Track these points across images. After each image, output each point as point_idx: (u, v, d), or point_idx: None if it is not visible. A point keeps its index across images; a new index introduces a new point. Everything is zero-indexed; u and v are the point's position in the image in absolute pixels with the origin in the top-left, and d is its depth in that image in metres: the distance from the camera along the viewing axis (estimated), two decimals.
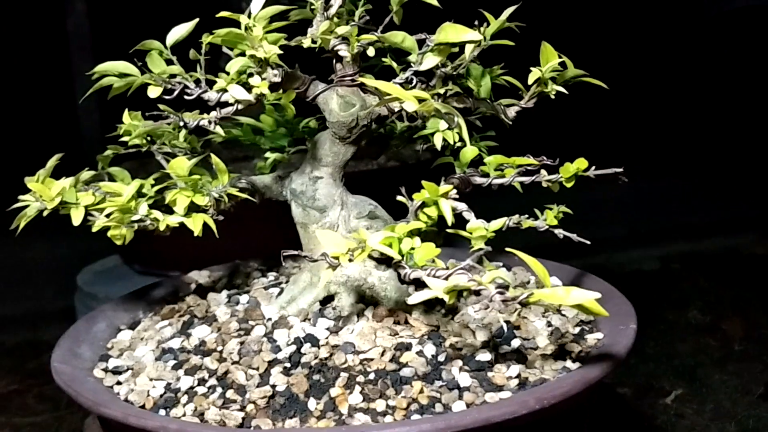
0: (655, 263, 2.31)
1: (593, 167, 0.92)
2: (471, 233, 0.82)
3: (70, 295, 1.85)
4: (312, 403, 0.77)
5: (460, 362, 0.83)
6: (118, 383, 0.86)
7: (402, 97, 0.77)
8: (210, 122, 0.80)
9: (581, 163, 0.91)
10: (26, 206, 0.84)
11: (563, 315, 0.95)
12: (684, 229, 2.60)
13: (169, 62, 0.92)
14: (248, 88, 0.81)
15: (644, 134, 3.38)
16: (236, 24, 0.81)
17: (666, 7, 3.62)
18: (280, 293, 1.02)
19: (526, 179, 0.94)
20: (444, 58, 0.84)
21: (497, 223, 0.85)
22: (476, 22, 0.86)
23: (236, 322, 0.94)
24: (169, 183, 0.94)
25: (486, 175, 0.95)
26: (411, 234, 0.79)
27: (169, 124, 0.85)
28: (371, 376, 0.80)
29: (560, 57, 0.91)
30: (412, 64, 0.88)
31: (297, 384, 0.80)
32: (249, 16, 0.77)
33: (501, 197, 1.00)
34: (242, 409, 0.78)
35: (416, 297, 0.70)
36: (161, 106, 0.96)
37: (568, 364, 0.82)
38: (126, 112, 0.99)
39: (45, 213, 0.84)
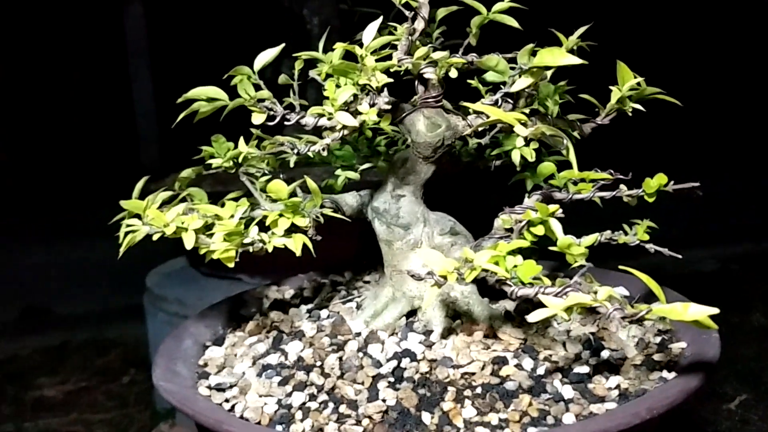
0: (714, 264, 2.29)
1: (672, 182, 0.95)
2: (568, 249, 0.85)
3: (135, 294, 1.88)
4: (426, 417, 0.80)
5: (559, 375, 0.86)
6: (227, 401, 0.88)
7: (511, 122, 0.80)
8: (323, 148, 0.83)
9: (661, 178, 0.94)
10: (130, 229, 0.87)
11: (641, 326, 0.99)
12: (743, 230, 2.58)
13: (257, 87, 0.94)
14: (352, 113, 0.84)
15: (703, 134, 3.35)
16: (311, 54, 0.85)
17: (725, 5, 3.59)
18: (358, 307, 1.05)
19: (607, 194, 0.97)
20: (537, 80, 0.87)
21: (589, 239, 0.88)
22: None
23: (327, 337, 0.97)
24: (252, 202, 0.97)
25: (566, 190, 0.99)
26: (513, 252, 0.82)
27: (289, 150, 0.87)
28: (478, 390, 0.83)
29: (635, 76, 0.95)
30: (501, 86, 0.91)
31: (406, 398, 0.82)
32: (361, 46, 0.80)
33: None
34: (358, 423, 0.81)
35: (536, 315, 0.73)
36: (254, 130, 1.00)
37: (665, 374, 0.85)
38: (215, 137, 1.02)
39: (155, 237, 0.86)
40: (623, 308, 0.73)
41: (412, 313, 1.00)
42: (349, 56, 0.90)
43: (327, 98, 0.92)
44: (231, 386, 0.91)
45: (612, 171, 0.98)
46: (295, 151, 0.86)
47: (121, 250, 0.87)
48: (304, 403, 0.84)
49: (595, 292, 0.76)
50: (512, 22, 0.93)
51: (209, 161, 1.02)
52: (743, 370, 1.76)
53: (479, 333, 0.95)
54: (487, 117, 0.92)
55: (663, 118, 3.23)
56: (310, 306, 1.10)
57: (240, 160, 1.01)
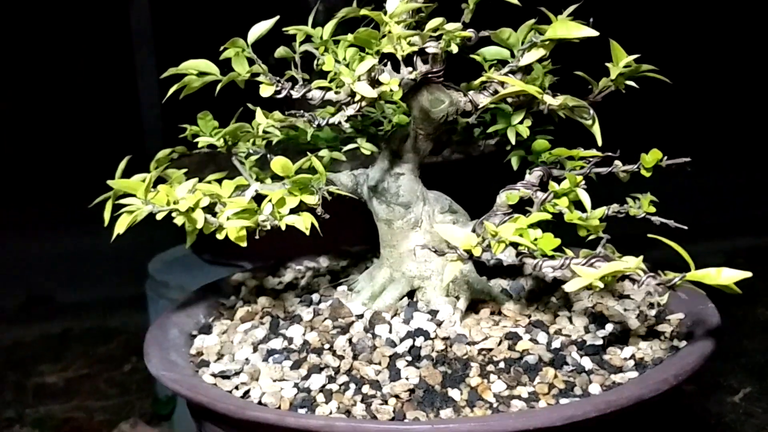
0: (719, 258, 2.26)
1: (665, 157, 0.97)
2: (586, 221, 0.85)
3: (138, 283, 1.88)
4: (455, 394, 0.79)
5: (574, 347, 0.86)
6: (236, 388, 0.84)
7: (535, 93, 0.80)
8: (343, 119, 0.80)
9: (656, 153, 0.96)
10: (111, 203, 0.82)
11: (632, 299, 1.00)
12: (749, 223, 2.56)
13: (251, 61, 0.91)
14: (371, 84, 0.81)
15: (708, 127, 3.31)
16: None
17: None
18: (350, 290, 1.03)
19: (603, 170, 0.98)
20: (547, 52, 0.87)
21: (599, 212, 0.89)
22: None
23: (328, 320, 0.94)
24: (240, 183, 0.93)
25: (562, 167, 0.99)
26: (533, 226, 0.82)
27: (305, 121, 0.84)
28: (501, 365, 0.82)
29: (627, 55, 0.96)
30: (509, 61, 0.91)
31: (429, 376, 0.81)
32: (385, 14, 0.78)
33: None
34: (385, 402, 0.78)
35: (572, 285, 0.73)
36: (250, 105, 0.96)
37: (675, 343, 0.87)
38: (202, 113, 0.98)
39: (159, 216, 0.81)
40: (656, 276, 0.74)
41: (410, 294, 0.99)
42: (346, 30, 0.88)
43: (325, 72, 0.90)
44: (236, 373, 0.87)
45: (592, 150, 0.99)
46: (316, 123, 0.82)
47: (120, 230, 0.81)
48: (324, 386, 0.81)
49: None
50: None
51: (198, 140, 0.97)
52: (748, 363, 1.78)
53: (485, 310, 0.94)
54: (495, 92, 0.92)
55: (668, 109, 3.26)
56: (296, 291, 1.07)
57: (257, 131, 0.95)
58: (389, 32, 0.77)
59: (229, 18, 0.85)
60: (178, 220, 0.84)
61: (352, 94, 0.85)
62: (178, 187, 0.79)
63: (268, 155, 1.03)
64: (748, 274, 0.71)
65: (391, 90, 0.80)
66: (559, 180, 0.99)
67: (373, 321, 0.93)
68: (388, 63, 0.88)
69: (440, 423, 0.72)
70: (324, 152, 1.13)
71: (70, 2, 3.06)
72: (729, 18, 3.54)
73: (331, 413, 0.77)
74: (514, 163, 1.06)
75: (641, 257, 0.74)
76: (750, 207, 2.76)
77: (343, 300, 0.99)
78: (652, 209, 0.90)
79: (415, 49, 0.79)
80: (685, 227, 0.89)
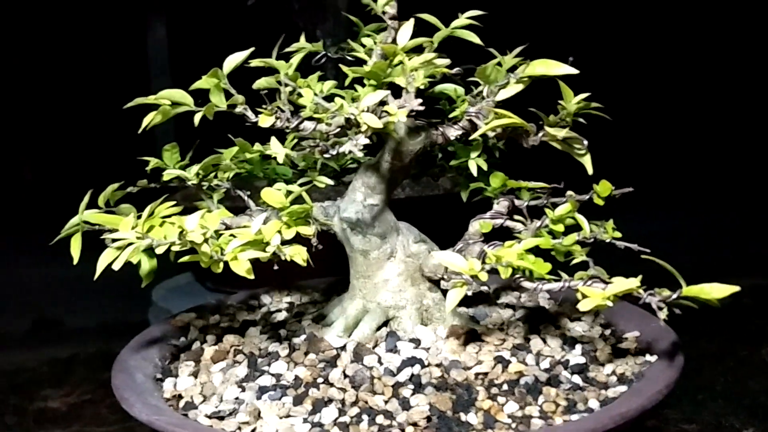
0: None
1: (614, 188, 1.04)
2: (572, 247, 0.90)
3: (142, 309, 1.91)
4: (471, 418, 0.80)
5: (562, 367, 0.90)
6: (239, 428, 0.80)
7: (526, 126, 0.84)
8: (355, 149, 0.80)
9: (606, 184, 1.03)
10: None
11: (582, 320, 1.07)
12: (756, 262, 2.52)
13: (227, 93, 0.89)
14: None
15: (716, 164, 3.28)
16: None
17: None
18: (317, 322, 1.02)
19: (558, 200, 1.04)
20: (524, 87, 0.92)
21: (570, 238, 0.94)
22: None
23: (311, 354, 0.93)
24: (223, 215, 0.91)
25: (519, 198, 1.04)
26: (528, 251, 0.86)
27: (319, 151, 0.82)
28: (504, 387, 0.85)
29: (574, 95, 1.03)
30: (483, 96, 0.95)
31: (439, 402, 0.82)
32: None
33: None
34: (403, 431, 0.78)
35: (585, 305, 0.77)
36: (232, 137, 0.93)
37: (647, 357, 0.93)
38: (169, 146, 0.95)
39: (159, 251, 0.77)
40: (655, 294, 0.79)
41: (384, 324, 0.99)
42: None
43: (302, 106, 0.90)
44: (231, 413, 0.83)
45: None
46: (332, 152, 0.81)
47: (117, 266, 0.76)
48: (336, 419, 0.80)
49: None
50: (474, 38, 0.97)
51: (167, 174, 0.94)
52: (751, 405, 1.76)
53: (464, 337, 0.96)
54: (469, 126, 0.95)
55: (677, 148, 3.29)
56: (258, 327, 1.04)
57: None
58: (401, 63, 0.79)
59: (245, 46, 0.85)
60: (173, 255, 0.80)
61: (344, 125, 0.86)
62: (187, 219, 0.75)
63: (231, 189, 1.01)
64: (737, 289, 0.78)
65: (398, 121, 0.81)
66: (519, 208, 1.04)
67: (359, 352, 0.92)
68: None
69: None
70: (280, 185, 1.11)
71: (89, 32, 3.13)
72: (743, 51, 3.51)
73: None
74: (464, 195, 1.10)
75: (640, 277, 0.80)
76: (757, 246, 2.72)
77: (316, 333, 0.98)
78: (618, 234, 0.97)
79: (426, 82, 0.81)
80: (648, 250, 0.95)
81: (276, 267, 0.79)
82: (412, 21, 0.83)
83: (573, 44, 0.92)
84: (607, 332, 1.03)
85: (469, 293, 1.11)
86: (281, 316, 1.08)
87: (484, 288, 1.08)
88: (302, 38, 1.00)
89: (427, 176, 1.11)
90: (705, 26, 3.44)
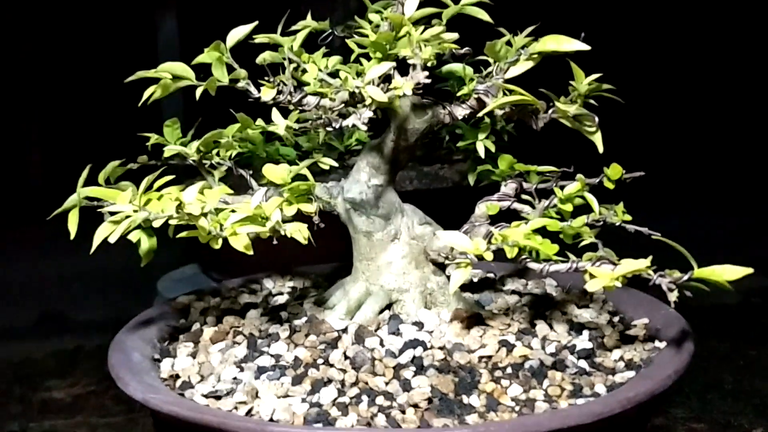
0: (735, 297, 2.20)
1: (624, 171, 1.02)
2: (581, 228, 0.88)
3: (148, 300, 1.89)
4: (474, 400, 0.78)
5: (568, 352, 0.88)
6: (236, 408, 0.78)
7: (536, 103, 0.82)
8: (359, 122, 0.78)
9: (617, 168, 1.01)
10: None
11: (590, 307, 1.04)
12: (765, 263, 2.54)
13: (230, 67, 0.87)
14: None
15: (726, 164, 3.27)
16: None
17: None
18: (319, 305, 1.00)
19: (567, 183, 1.02)
20: (534, 64, 0.90)
21: (579, 220, 0.92)
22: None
23: (312, 335, 0.91)
24: (224, 191, 0.89)
25: (528, 181, 1.02)
26: (535, 231, 0.83)
27: (322, 125, 0.80)
28: (509, 371, 0.83)
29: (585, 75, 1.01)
30: (493, 74, 0.93)
31: (441, 384, 0.80)
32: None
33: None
34: (403, 412, 0.76)
35: (593, 285, 0.75)
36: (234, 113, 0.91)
37: (656, 344, 0.91)
38: (170, 121, 0.93)
39: (157, 224, 0.75)
40: (665, 275, 0.77)
41: (387, 307, 0.97)
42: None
43: (306, 83, 0.88)
44: (228, 393, 0.81)
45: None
46: (335, 125, 0.79)
47: (113, 239, 0.75)
48: (335, 399, 0.78)
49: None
50: (483, 15, 0.95)
51: (167, 150, 0.92)
52: (760, 404, 1.76)
53: (469, 320, 0.94)
54: (476, 105, 0.93)
55: (688, 146, 3.24)
56: (259, 310, 1.02)
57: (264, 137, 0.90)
58: (408, 35, 0.76)
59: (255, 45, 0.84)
60: (171, 229, 0.78)
61: (348, 100, 0.84)
62: (185, 192, 0.74)
63: (234, 167, 0.99)
64: (750, 270, 0.76)
65: (403, 94, 0.79)
66: (527, 191, 1.02)
67: (361, 334, 0.90)
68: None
69: (479, 426, 0.71)
70: (283, 165, 1.10)
71: (100, 26, 3.18)
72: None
73: (353, 426, 0.74)
74: (472, 179, 1.08)
75: (650, 257, 0.78)
76: (766, 246, 2.68)
77: (318, 315, 0.96)
78: (628, 217, 0.94)
79: (433, 58, 0.79)
80: (658, 234, 0.93)
81: (275, 242, 0.76)
82: None
83: (589, 30, 0.90)
84: (615, 319, 1.01)
85: (475, 280, 1.09)
86: (282, 299, 1.06)
87: (491, 274, 1.07)
88: (309, 16, 0.98)
89: (434, 159, 1.09)
90: (736, 16, 3.39)
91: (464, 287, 1.06)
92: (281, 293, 1.09)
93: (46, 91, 3.34)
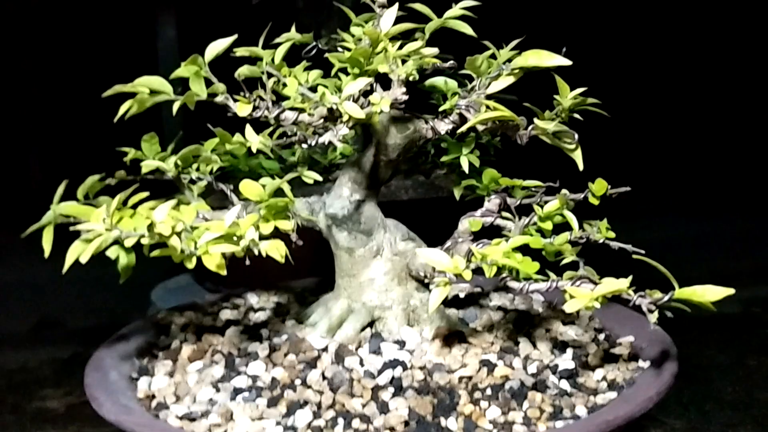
0: (736, 306, 2.21)
1: (609, 186, 1.01)
2: (562, 246, 0.87)
3: (141, 310, 1.93)
4: (451, 423, 0.76)
5: (549, 372, 0.87)
6: (209, 430, 0.77)
7: (515, 119, 0.81)
8: (335, 139, 0.77)
9: (602, 183, 0.99)
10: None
11: (575, 324, 1.03)
12: (766, 272, 2.48)
13: (208, 81, 0.86)
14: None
15: (728, 172, 3.23)
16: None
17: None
18: (300, 323, 0.99)
19: (550, 198, 1.00)
20: (515, 80, 0.89)
21: (562, 237, 0.91)
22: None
23: (291, 354, 0.89)
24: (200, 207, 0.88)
25: (512, 196, 1.01)
26: (515, 249, 0.82)
27: (297, 141, 0.79)
28: (488, 392, 0.81)
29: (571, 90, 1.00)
30: (475, 89, 0.91)
31: (419, 406, 0.78)
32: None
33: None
34: None
35: (572, 305, 0.74)
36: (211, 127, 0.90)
37: (640, 363, 0.90)
38: (148, 135, 0.92)
39: (128, 243, 0.74)
40: (645, 296, 0.76)
41: (369, 325, 0.96)
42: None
43: (287, 97, 0.87)
44: (203, 415, 0.80)
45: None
46: (311, 142, 0.78)
47: (84, 259, 0.73)
48: (310, 422, 0.76)
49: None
50: (467, 29, 0.94)
51: (145, 165, 0.91)
52: (759, 415, 1.71)
53: (451, 338, 0.93)
54: (458, 120, 0.92)
55: (685, 152, 3.23)
56: (239, 327, 1.01)
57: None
58: (385, 51, 0.75)
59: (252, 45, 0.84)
60: (146, 248, 0.77)
61: (327, 116, 0.83)
62: (156, 210, 0.72)
63: (214, 182, 0.98)
64: (731, 291, 0.75)
65: (381, 110, 0.78)
66: (509, 208, 1.00)
67: (341, 354, 0.89)
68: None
69: None
70: (265, 180, 1.08)
71: (98, 31, 3.19)
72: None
73: None
74: (457, 193, 1.07)
75: (630, 277, 0.76)
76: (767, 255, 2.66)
77: (299, 334, 0.95)
78: (611, 234, 0.93)
79: (415, 73, 0.78)
80: (642, 251, 0.92)
81: (248, 262, 0.75)
82: (396, 6, 0.80)
83: (577, 44, 0.89)
84: (601, 337, 0.99)
85: (462, 295, 1.08)
86: (264, 315, 1.05)
87: (477, 288, 1.06)
88: (293, 29, 0.97)
89: (419, 173, 1.08)
90: (721, 24, 3.38)
91: (449, 303, 1.05)
92: (263, 309, 1.07)
93: (46, 101, 3.35)
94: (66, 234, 0.80)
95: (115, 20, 3.21)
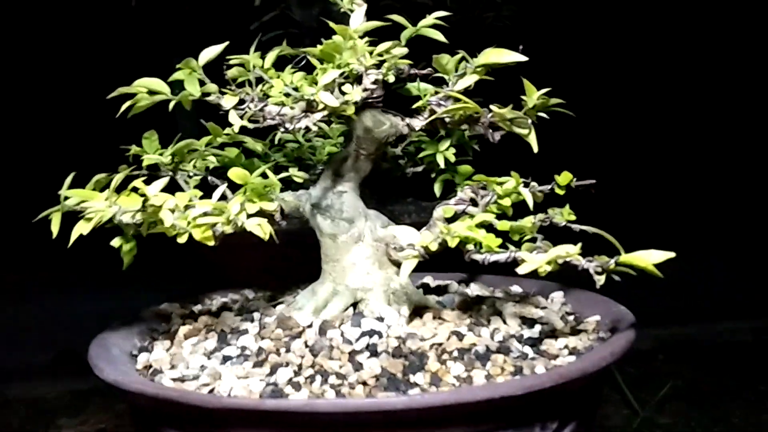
0: (747, 335, 2.28)
1: (574, 178, 1.08)
2: (523, 223, 0.94)
3: None
4: (419, 378, 0.84)
5: (515, 340, 0.94)
6: (198, 388, 0.85)
7: (477, 109, 0.89)
8: (310, 123, 0.86)
9: (567, 175, 1.07)
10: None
11: (545, 307, 1.10)
12: None
13: (201, 82, 0.96)
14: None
15: (738, 204, 3.26)
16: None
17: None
18: (289, 306, 1.06)
19: (524, 190, 1.08)
20: (480, 77, 0.98)
21: (527, 220, 0.99)
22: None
23: (279, 329, 0.97)
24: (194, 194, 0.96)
25: (485, 188, 1.09)
26: (479, 225, 0.90)
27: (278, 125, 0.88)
28: (455, 354, 0.89)
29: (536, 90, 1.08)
30: (447, 85, 1.00)
31: (391, 366, 0.86)
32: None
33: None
34: (353, 388, 0.82)
35: (524, 268, 0.82)
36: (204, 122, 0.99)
37: (601, 334, 0.96)
38: (148, 133, 1.01)
39: (126, 219, 0.83)
40: (593, 260, 0.83)
41: (353, 306, 1.03)
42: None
43: (268, 96, 0.96)
44: (194, 377, 0.88)
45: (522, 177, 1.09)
46: (289, 127, 0.87)
47: (85, 231, 0.82)
48: (290, 379, 0.84)
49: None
50: (439, 37, 1.03)
51: (146, 159, 1.00)
52: None
53: (428, 315, 1.00)
54: (429, 116, 1.01)
55: (696, 186, 3.28)
56: (234, 312, 1.09)
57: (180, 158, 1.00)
58: (353, 46, 0.85)
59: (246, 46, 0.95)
60: (145, 228, 0.86)
61: (308, 109, 0.92)
62: (150, 186, 0.81)
63: (209, 178, 1.07)
64: (672, 254, 0.82)
65: (354, 102, 0.87)
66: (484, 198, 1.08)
67: (324, 328, 0.96)
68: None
69: (416, 395, 0.77)
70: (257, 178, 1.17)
71: (101, 34, 3.31)
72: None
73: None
74: (437, 188, 1.15)
75: (579, 244, 0.84)
76: None
77: (286, 314, 1.03)
78: (573, 217, 1.01)
79: (376, 62, 0.87)
80: (600, 231, 0.98)
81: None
82: (364, 7, 0.89)
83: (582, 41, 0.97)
84: (570, 318, 1.06)
85: (443, 284, 1.16)
86: (258, 304, 1.12)
87: (462, 285, 1.13)
88: (284, 42, 1.07)
89: (400, 172, 1.17)
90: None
91: (430, 291, 1.12)
92: (258, 299, 1.15)
93: (54, 115, 3.46)
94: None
95: (119, 22, 3.29)
